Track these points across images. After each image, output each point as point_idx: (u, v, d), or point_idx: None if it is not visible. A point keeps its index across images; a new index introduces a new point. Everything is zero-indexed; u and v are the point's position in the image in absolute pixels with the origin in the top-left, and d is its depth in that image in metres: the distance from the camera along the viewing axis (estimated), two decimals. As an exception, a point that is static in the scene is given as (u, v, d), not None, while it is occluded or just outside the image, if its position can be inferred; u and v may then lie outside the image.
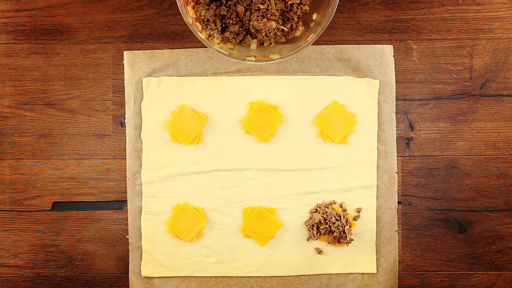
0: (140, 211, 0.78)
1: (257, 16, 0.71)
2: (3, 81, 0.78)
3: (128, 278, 0.78)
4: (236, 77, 0.77)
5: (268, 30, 0.71)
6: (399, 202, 0.79)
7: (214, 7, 0.71)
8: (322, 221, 0.76)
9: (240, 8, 0.71)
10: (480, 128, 0.78)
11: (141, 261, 0.78)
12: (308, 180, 0.78)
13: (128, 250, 0.78)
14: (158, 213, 0.78)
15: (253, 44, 0.73)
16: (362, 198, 0.78)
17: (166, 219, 0.78)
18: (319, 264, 0.78)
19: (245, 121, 0.77)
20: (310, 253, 0.78)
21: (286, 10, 0.72)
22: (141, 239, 0.78)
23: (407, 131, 0.78)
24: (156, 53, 0.77)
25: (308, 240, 0.78)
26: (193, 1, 0.71)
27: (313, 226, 0.77)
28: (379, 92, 0.77)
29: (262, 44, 0.74)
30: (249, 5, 0.71)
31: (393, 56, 0.78)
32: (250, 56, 0.71)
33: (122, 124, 0.78)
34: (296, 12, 0.72)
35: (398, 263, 0.79)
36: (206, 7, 0.71)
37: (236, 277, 0.78)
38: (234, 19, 0.72)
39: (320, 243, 0.78)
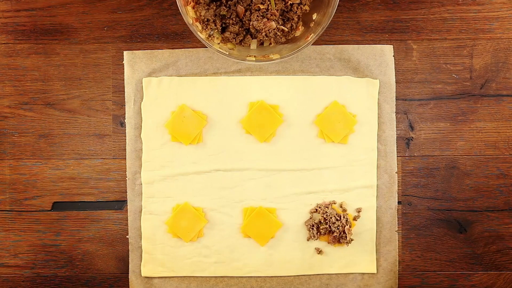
0: (140, 211, 0.78)
1: (257, 16, 0.71)
2: (3, 81, 0.78)
3: (128, 278, 0.78)
4: (236, 77, 0.77)
5: (268, 30, 0.71)
6: (399, 202, 0.79)
7: (214, 7, 0.71)
8: (322, 221, 0.76)
9: (240, 8, 0.71)
10: (480, 128, 0.78)
11: (141, 261, 0.78)
12: (308, 180, 0.78)
13: (128, 250, 0.78)
14: (158, 213, 0.78)
15: (253, 44, 0.73)
16: (362, 198, 0.78)
17: (166, 219, 0.78)
18: (319, 264, 0.78)
19: (245, 121, 0.77)
20: (310, 253, 0.78)
21: (286, 10, 0.72)
22: (141, 239, 0.78)
23: (407, 131, 0.78)
24: (156, 53, 0.77)
25: (308, 240, 0.78)
26: (193, 1, 0.71)
27: (313, 226, 0.77)
28: (379, 92, 0.77)
29: (262, 44, 0.74)
30: (249, 5, 0.71)
31: (393, 56, 0.78)
32: (250, 56, 0.71)
33: (122, 124, 0.78)
34: (296, 12, 0.72)
35: (398, 263, 0.79)
36: (206, 7, 0.71)
37: (236, 277, 0.78)
38: (234, 19, 0.72)
39: (320, 243, 0.78)
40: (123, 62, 0.77)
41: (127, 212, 0.78)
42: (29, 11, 0.77)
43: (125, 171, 0.78)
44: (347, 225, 0.75)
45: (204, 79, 0.77)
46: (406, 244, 0.79)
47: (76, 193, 0.78)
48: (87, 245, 0.79)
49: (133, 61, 0.77)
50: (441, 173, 0.78)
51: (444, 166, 0.78)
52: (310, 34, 0.70)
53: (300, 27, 0.74)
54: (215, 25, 0.72)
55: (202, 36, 0.69)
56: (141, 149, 0.77)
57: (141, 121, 0.77)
